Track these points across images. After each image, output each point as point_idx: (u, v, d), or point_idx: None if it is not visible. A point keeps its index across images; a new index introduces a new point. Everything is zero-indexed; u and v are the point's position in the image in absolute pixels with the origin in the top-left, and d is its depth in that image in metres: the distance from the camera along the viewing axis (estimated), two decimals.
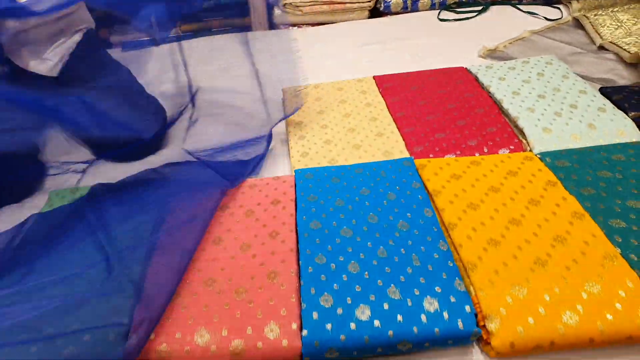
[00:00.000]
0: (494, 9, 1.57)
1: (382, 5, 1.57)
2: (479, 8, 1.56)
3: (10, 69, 0.96)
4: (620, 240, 0.66)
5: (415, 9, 1.58)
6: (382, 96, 1.08)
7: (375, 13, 1.61)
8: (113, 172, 0.91)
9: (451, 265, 0.65)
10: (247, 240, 0.73)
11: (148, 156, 1.01)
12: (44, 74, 1.05)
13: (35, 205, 0.90)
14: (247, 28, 1.61)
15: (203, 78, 1.22)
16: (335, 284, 0.63)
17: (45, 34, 1.11)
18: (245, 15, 1.59)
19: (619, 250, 0.65)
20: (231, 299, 0.63)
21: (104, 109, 0.94)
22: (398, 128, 0.98)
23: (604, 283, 0.60)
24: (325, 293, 0.62)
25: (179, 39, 1.53)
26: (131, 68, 1.10)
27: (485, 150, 0.89)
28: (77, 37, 1.17)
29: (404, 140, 0.94)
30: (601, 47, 1.27)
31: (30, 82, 0.97)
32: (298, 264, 0.68)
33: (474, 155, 0.88)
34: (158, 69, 1.18)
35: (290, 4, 1.52)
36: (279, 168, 0.93)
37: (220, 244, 0.73)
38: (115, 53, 1.26)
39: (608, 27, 1.32)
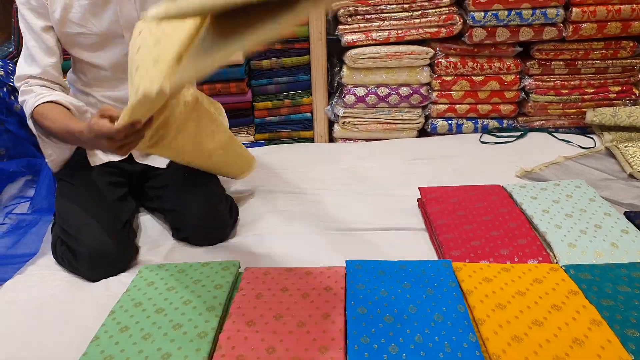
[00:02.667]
0: (531, 135, 1.75)
1: (429, 127, 1.78)
2: (518, 134, 1.74)
3: None
4: (634, 347, 0.74)
5: (459, 131, 1.79)
6: (426, 205, 1.24)
7: (423, 133, 1.83)
8: None
9: (478, 354, 0.75)
10: (303, 318, 0.86)
11: None
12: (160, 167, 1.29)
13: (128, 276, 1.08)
14: (310, 140, 1.86)
15: None
16: None
17: None
18: (309, 129, 1.85)
19: (632, 357, 0.73)
20: None
21: None
22: (438, 234, 1.11)
23: None
24: None
25: (253, 145, 1.80)
26: None
27: (516, 259, 1.00)
28: None
29: (442, 245, 1.07)
30: (631, 176, 1.40)
31: None
32: (345, 342, 0.80)
33: (505, 263, 0.99)
34: None
35: (349, 122, 1.76)
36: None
37: (280, 319, 0.86)
38: None
39: (638, 157, 1.45)
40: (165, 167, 1.29)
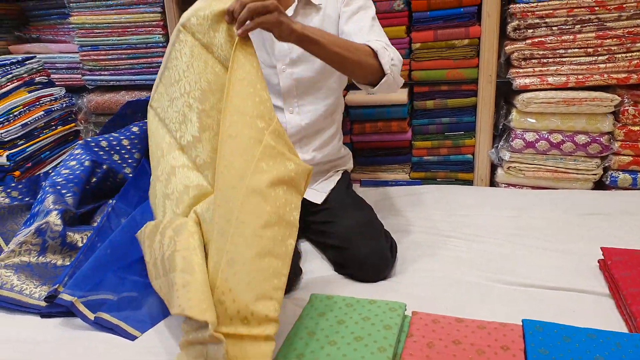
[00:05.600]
0: None
1: (608, 179, 1.62)
2: None
3: None
4: None
5: None
6: (611, 269, 1.12)
7: (599, 185, 1.66)
8: None
9: None
10: None
11: None
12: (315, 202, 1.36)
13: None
14: (469, 182, 1.81)
15: None
16: None
17: (315, 171, 1.46)
18: (469, 171, 1.80)
19: None
20: None
21: None
22: (630, 304, 0.99)
23: None
24: None
25: (408, 183, 1.81)
26: None
27: None
28: (337, 177, 1.50)
29: (636, 317, 0.95)
30: None
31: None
32: None
33: None
34: None
35: (515, 167, 1.68)
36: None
37: None
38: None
39: None
40: (320, 202, 1.36)
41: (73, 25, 2.02)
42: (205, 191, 1.02)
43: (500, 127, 1.75)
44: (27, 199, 1.60)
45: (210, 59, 1.03)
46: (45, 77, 1.88)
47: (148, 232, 1.10)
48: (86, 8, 1.98)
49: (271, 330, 0.81)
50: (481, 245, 1.33)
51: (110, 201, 1.51)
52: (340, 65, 1.16)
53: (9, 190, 1.60)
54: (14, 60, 1.78)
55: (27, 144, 1.75)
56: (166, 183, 1.11)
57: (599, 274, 1.17)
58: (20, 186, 1.63)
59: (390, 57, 1.18)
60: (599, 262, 1.20)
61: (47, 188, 1.46)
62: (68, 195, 1.47)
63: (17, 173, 1.69)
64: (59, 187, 1.47)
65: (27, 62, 1.82)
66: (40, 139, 1.80)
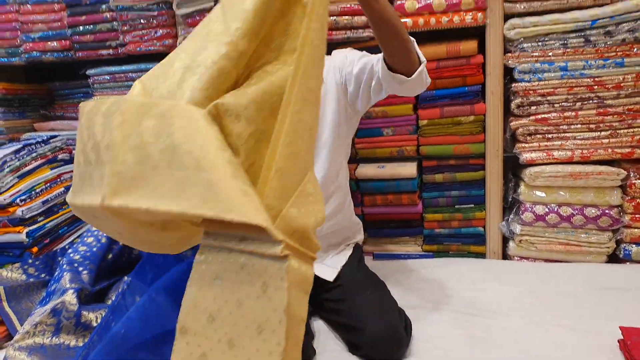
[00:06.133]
0: None
1: (621, 252, 1.61)
2: None
3: None
4: None
5: None
6: (631, 350, 1.09)
7: (613, 258, 1.65)
8: None
9: None
10: None
11: None
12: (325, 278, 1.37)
13: None
14: (481, 255, 1.81)
15: None
16: None
17: (326, 244, 1.47)
18: (481, 244, 1.81)
19: None
20: None
21: None
22: None
23: None
24: None
25: (421, 256, 1.81)
26: None
27: None
28: (349, 251, 1.51)
29: None
30: None
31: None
32: None
33: None
34: None
35: (526, 240, 1.68)
36: None
37: None
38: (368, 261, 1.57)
39: None
40: (332, 279, 1.36)
41: None
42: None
43: (510, 199, 1.77)
44: (43, 275, 1.63)
45: None
46: (68, 154, 1.96)
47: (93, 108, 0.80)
48: (109, 88, 2.09)
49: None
50: (496, 322, 1.31)
51: (126, 278, 1.53)
52: (393, 33, 1.12)
53: (25, 267, 1.63)
54: (39, 140, 1.87)
55: (46, 220, 1.80)
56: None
57: (619, 354, 1.15)
58: (37, 262, 1.66)
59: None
60: (618, 341, 1.17)
61: (64, 266, 1.49)
62: (84, 272, 1.49)
63: (34, 249, 1.73)
64: (75, 265, 1.50)
65: (51, 140, 1.91)
66: (59, 214, 1.85)
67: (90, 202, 0.75)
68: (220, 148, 0.66)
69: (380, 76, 1.25)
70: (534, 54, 1.60)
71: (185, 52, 0.79)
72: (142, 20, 1.91)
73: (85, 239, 1.61)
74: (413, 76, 1.19)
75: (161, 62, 0.85)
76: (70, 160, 1.97)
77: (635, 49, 1.52)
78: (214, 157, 0.65)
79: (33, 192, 1.77)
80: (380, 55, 1.23)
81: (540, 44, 1.60)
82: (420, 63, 1.21)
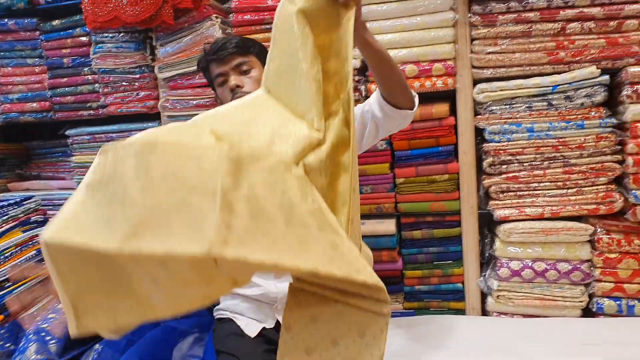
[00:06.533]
0: None
1: (594, 306, 1.66)
2: None
3: None
4: None
5: (631, 313, 1.63)
6: None
7: (587, 312, 1.69)
8: None
9: None
10: None
11: None
12: None
13: None
14: (461, 311, 1.82)
15: None
16: None
17: None
18: (460, 300, 1.82)
19: None
20: None
21: None
22: None
23: None
24: None
25: (402, 314, 1.80)
26: None
27: None
28: None
29: None
30: None
31: None
32: None
33: None
34: None
35: (504, 295, 1.71)
36: None
37: None
38: None
39: None
40: None
41: (74, 164, 2.11)
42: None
43: (487, 255, 1.81)
44: (8, 344, 1.54)
45: None
46: (42, 216, 1.91)
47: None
48: (89, 148, 2.08)
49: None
50: None
51: (97, 346, 1.46)
52: (390, 68, 1.18)
53: None
54: (12, 202, 1.82)
55: (15, 285, 1.72)
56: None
57: None
58: (2, 331, 1.58)
59: None
60: None
61: (31, 336, 1.41)
62: (52, 342, 1.42)
63: (0, 317, 1.64)
64: (43, 334, 1.43)
65: (24, 202, 1.87)
66: (29, 279, 1.78)
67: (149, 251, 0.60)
68: (328, 210, 0.72)
69: (380, 116, 1.27)
70: (503, 116, 1.70)
71: (260, 116, 0.84)
72: (124, 83, 1.94)
73: (56, 305, 1.55)
74: (415, 108, 1.27)
75: (224, 114, 0.86)
76: (44, 223, 1.92)
77: (592, 112, 1.64)
78: (331, 219, 0.71)
79: (2, 257, 1.70)
80: (372, 99, 1.29)
81: (507, 106, 1.70)
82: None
